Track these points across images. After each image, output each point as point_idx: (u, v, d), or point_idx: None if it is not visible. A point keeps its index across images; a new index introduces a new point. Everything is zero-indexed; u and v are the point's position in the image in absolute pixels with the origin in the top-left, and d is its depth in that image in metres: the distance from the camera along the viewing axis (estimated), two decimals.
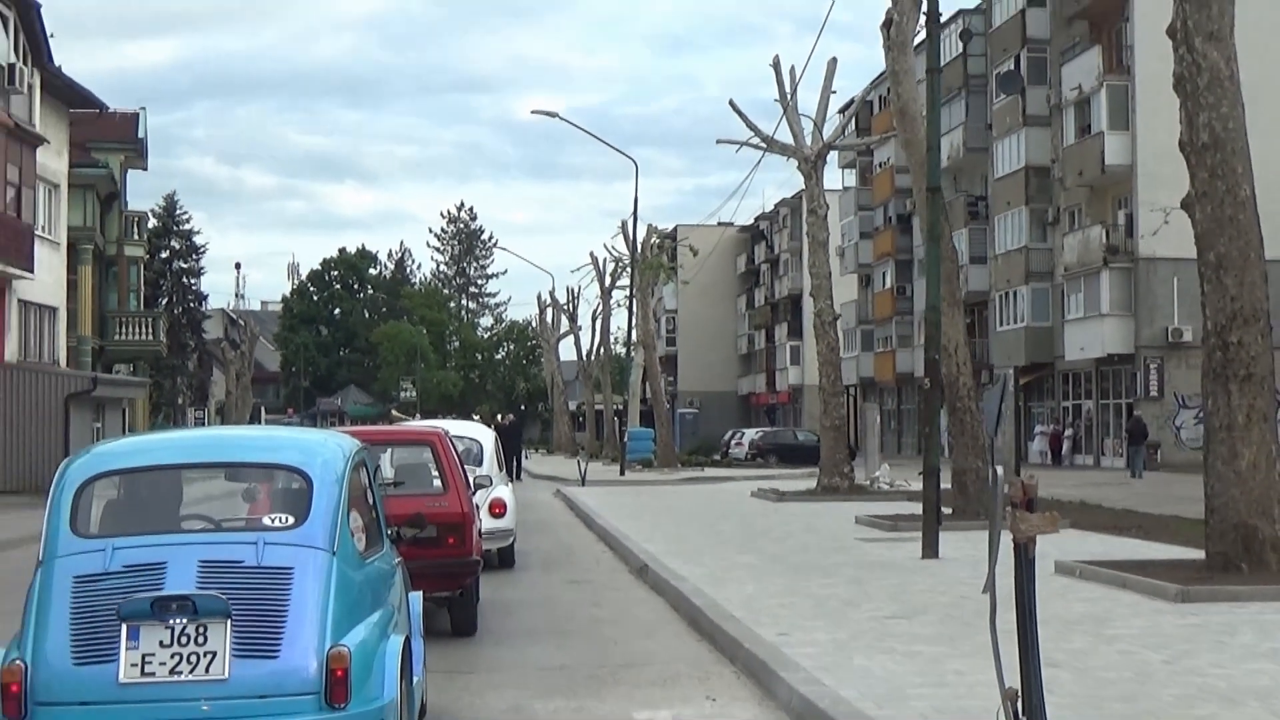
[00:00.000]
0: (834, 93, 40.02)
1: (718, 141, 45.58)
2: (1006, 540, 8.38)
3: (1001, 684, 8.57)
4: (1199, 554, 18.50)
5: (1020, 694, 8.50)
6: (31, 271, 45.72)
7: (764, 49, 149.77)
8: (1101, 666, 11.28)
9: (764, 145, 40.97)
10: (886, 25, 27.70)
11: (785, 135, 40.31)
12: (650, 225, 73.51)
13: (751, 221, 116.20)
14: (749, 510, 33.02)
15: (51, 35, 47.71)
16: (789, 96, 39.38)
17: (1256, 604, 14.81)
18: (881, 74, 78.53)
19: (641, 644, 14.25)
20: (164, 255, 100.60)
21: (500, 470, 24.00)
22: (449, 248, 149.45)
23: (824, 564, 20.02)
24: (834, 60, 40.32)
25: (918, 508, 30.08)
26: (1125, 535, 23.98)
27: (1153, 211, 44.60)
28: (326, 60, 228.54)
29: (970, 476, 25.61)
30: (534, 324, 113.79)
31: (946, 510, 27.34)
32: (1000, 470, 8.48)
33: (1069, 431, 67.16)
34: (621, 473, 56.66)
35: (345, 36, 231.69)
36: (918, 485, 38.77)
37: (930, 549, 20.02)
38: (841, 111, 51.08)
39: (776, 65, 39.76)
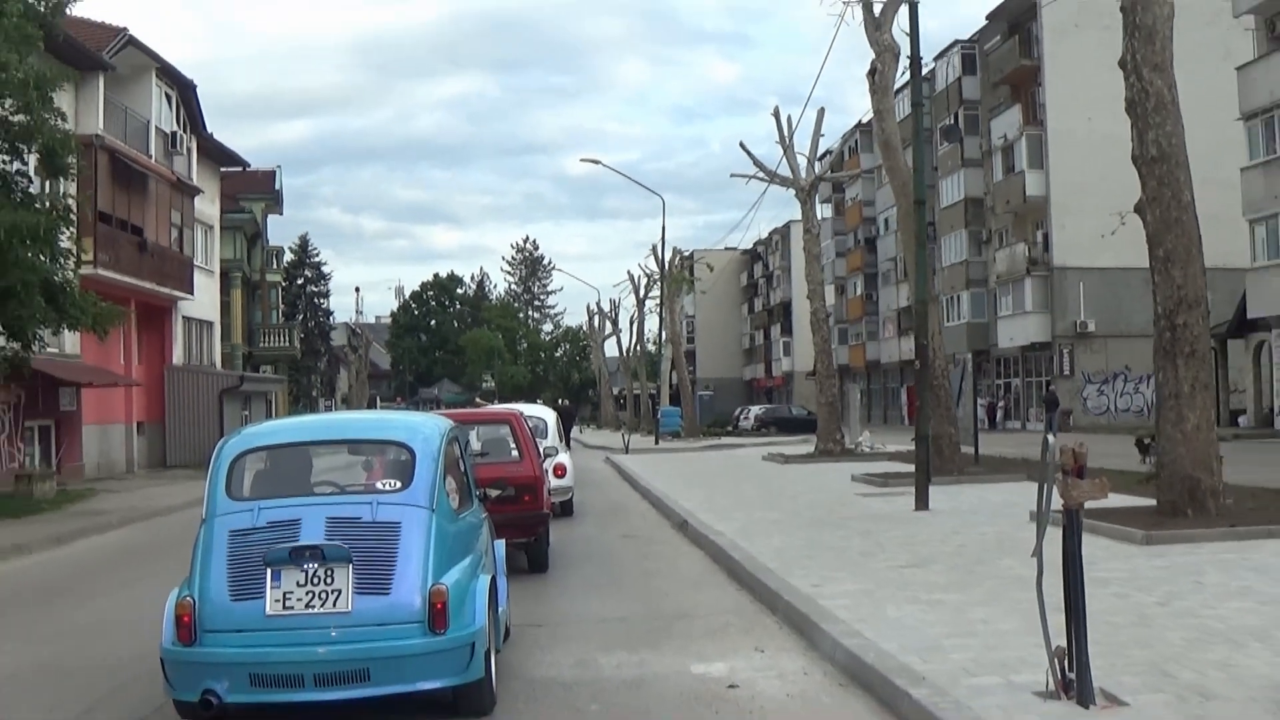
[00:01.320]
0: (822, 135, 38.51)
1: (731, 175, 44.59)
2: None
3: (1048, 641, 6.97)
4: (1144, 501, 17.16)
5: (1068, 650, 6.87)
6: (192, 294, 44.70)
7: (754, 117, 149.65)
8: (1105, 611, 9.52)
9: (768, 178, 39.33)
10: (871, 73, 26.06)
11: (783, 171, 38.89)
12: (675, 248, 72.42)
13: (751, 246, 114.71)
14: (763, 472, 31.02)
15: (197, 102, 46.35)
16: (788, 139, 37.81)
17: (1209, 544, 13.36)
18: (851, 129, 78.50)
19: (690, 595, 12.32)
20: (299, 281, 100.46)
21: (560, 441, 23.30)
22: (518, 271, 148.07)
23: (834, 518, 18.12)
24: (822, 110, 39.52)
25: (900, 467, 28.46)
26: None
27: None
28: (424, 132, 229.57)
29: (945, 441, 23.96)
30: (584, 328, 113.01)
31: None
32: (1052, 438, 6.82)
33: (1001, 403, 66.26)
34: (656, 442, 55.46)
35: (438, 114, 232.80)
36: (893, 448, 37.34)
37: (922, 502, 18.30)
38: (820, 159, 49.36)
39: (776, 114, 38.15)
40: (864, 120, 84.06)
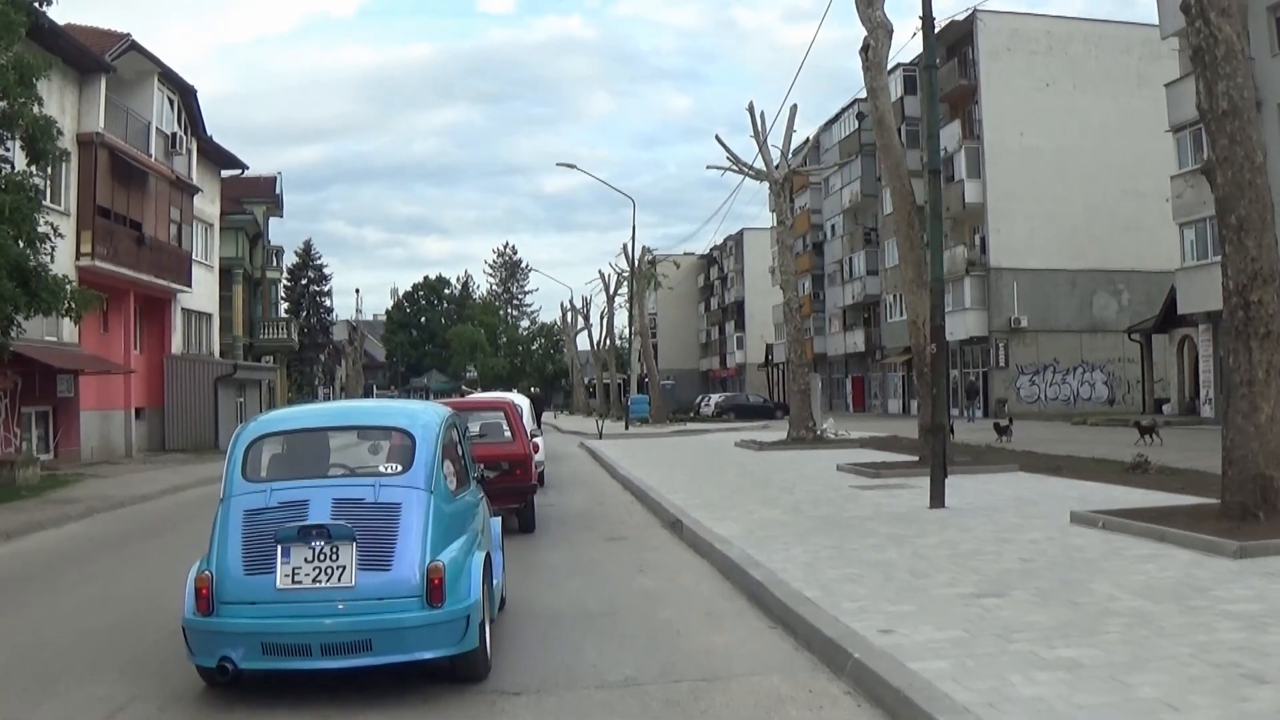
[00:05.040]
0: (795, 131, 34.67)
1: (708, 167, 40.78)
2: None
3: None
4: (1183, 499, 13.67)
5: None
6: (190, 287, 41.02)
7: (705, 143, 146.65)
8: None
9: (743, 171, 35.24)
10: (864, 50, 22.31)
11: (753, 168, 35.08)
12: (645, 247, 68.71)
13: (707, 251, 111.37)
14: (740, 459, 26.69)
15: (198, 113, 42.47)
16: (763, 135, 33.85)
17: None
18: (800, 144, 75.00)
19: (710, 637, 8.20)
20: (303, 282, 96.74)
21: (534, 423, 23.78)
22: (498, 274, 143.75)
23: (845, 517, 13.96)
24: (795, 107, 35.55)
25: (879, 455, 24.81)
26: (1061, 475, 18.63)
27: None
28: (419, 155, 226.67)
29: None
30: (558, 324, 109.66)
31: (914, 457, 22.02)
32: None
33: None
34: (626, 428, 51.88)
35: (431, 140, 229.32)
36: (856, 434, 33.72)
37: (938, 499, 14.31)
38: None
39: (751, 109, 33.87)
40: (810, 136, 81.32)
